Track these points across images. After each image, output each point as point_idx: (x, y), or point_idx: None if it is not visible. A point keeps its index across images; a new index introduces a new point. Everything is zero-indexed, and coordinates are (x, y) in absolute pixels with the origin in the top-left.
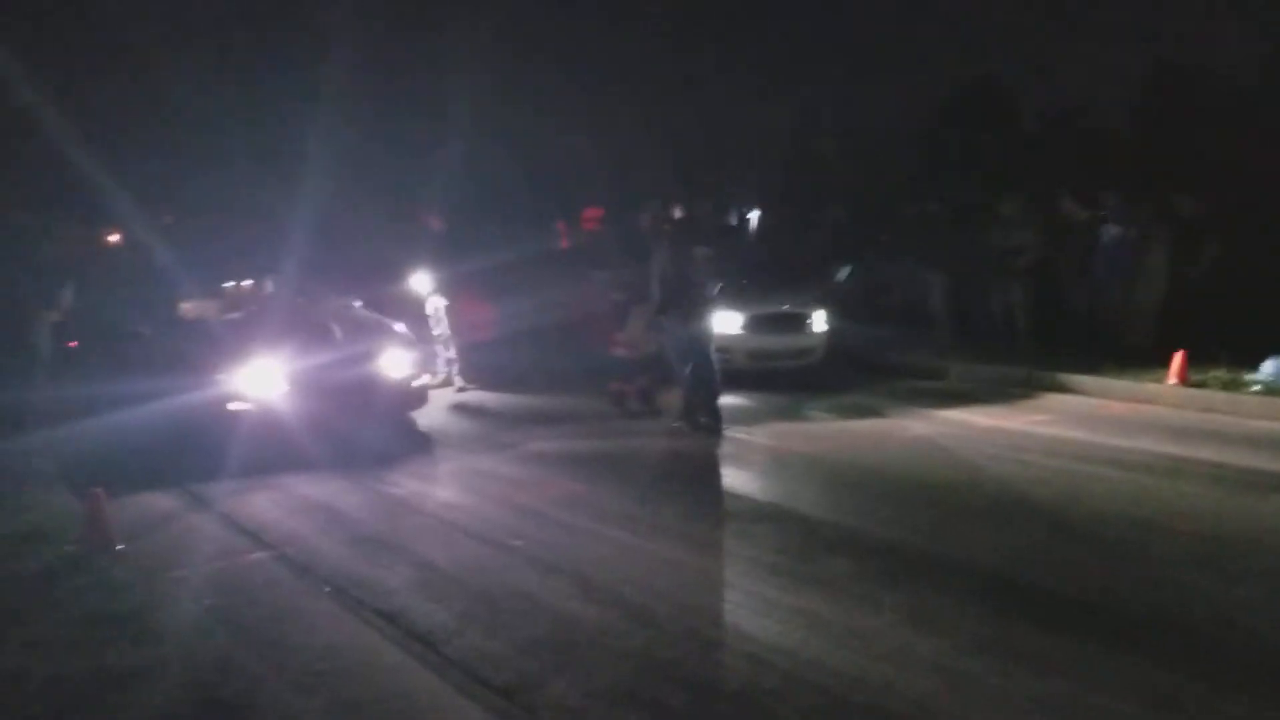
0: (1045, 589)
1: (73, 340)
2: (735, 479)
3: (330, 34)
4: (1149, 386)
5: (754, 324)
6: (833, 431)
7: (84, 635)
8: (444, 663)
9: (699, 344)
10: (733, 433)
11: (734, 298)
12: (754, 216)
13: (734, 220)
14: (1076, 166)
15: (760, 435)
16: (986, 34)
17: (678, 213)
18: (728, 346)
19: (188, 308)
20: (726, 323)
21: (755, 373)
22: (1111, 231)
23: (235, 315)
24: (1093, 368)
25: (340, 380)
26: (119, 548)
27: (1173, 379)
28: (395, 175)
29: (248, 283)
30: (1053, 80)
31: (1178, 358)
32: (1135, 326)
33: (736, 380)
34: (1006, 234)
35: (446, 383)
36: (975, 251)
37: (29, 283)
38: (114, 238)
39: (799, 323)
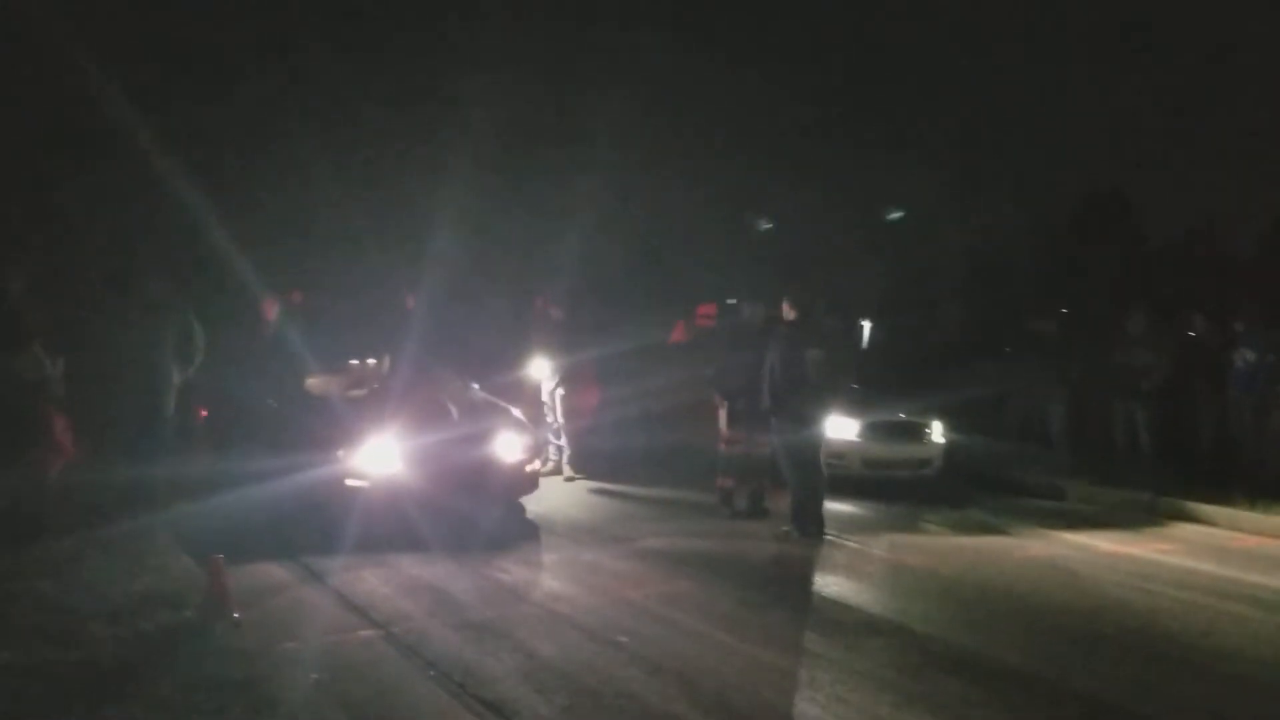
0: None
1: (203, 409)
2: (846, 588)
3: (460, 116)
4: None
5: (870, 431)
6: (949, 546)
7: (202, 700)
8: None
9: (809, 448)
10: (845, 541)
11: (849, 404)
12: (866, 323)
13: (846, 324)
14: (1205, 287)
15: (874, 545)
16: (1112, 147)
17: (790, 313)
18: (842, 453)
19: (313, 383)
20: (841, 429)
21: (870, 481)
22: (1246, 357)
23: (358, 392)
24: (1222, 497)
25: (455, 461)
26: (235, 616)
27: None
28: (517, 262)
29: (371, 361)
30: (1180, 196)
31: None
32: (1267, 456)
33: (850, 488)
34: (1131, 353)
35: (555, 471)
36: (1098, 369)
37: (166, 358)
38: None
39: (916, 432)
